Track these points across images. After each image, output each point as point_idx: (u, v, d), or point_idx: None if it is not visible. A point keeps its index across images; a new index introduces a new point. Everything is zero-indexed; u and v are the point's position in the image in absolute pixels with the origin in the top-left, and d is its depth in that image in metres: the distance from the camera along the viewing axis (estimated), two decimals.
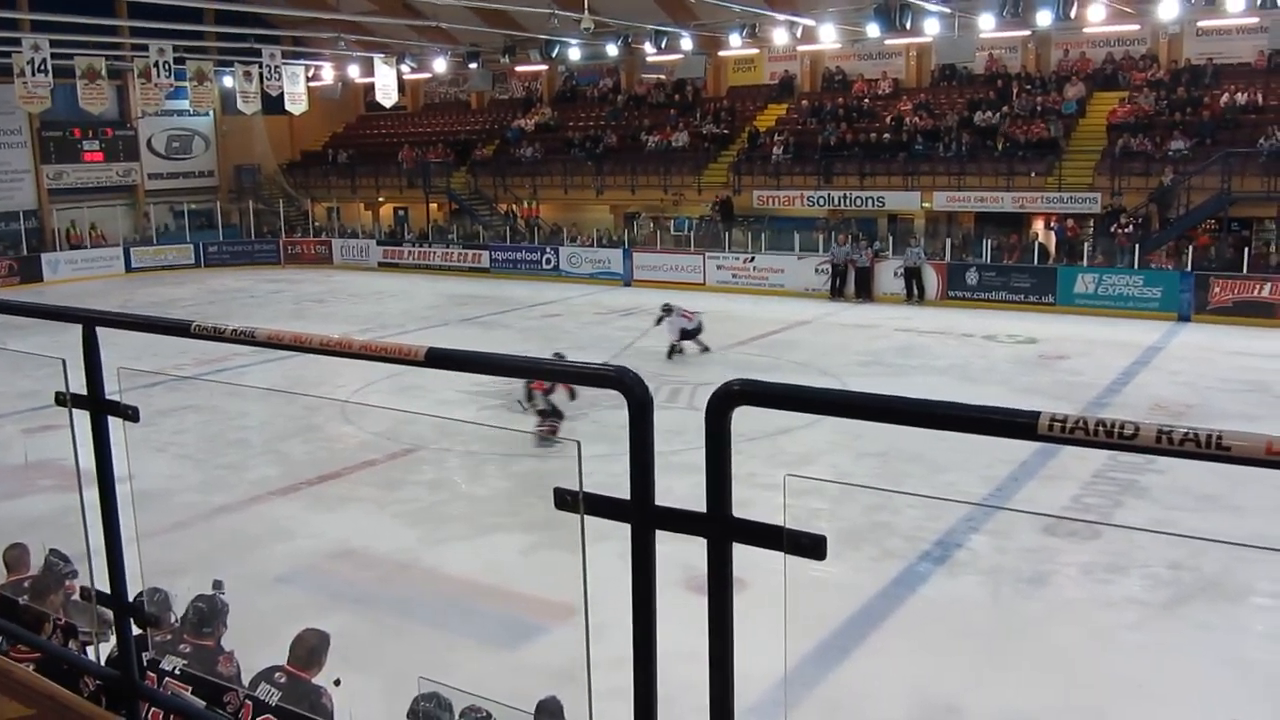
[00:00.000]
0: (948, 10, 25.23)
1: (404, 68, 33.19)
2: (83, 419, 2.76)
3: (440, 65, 33.77)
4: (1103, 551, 9.75)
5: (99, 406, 2.70)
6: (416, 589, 9.48)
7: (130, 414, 2.69)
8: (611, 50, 30.72)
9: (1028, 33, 28.38)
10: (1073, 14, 23.46)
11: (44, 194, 34.22)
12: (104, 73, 28.49)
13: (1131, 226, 23.67)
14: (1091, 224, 25.48)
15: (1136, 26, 27.51)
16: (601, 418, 13.33)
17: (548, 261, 30.72)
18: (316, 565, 9.92)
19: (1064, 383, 16.56)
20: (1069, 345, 19.38)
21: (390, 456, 13.33)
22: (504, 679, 7.03)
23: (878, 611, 8.71)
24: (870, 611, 8.65)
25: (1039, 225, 26.87)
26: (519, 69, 35.94)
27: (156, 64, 27.82)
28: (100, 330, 2.71)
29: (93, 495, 2.82)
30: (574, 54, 31.55)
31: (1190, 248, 22.93)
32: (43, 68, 25.93)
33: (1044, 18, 24.25)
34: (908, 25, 24.84)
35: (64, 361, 2.81)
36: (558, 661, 6.89)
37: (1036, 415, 1.50)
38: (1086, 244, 24.50)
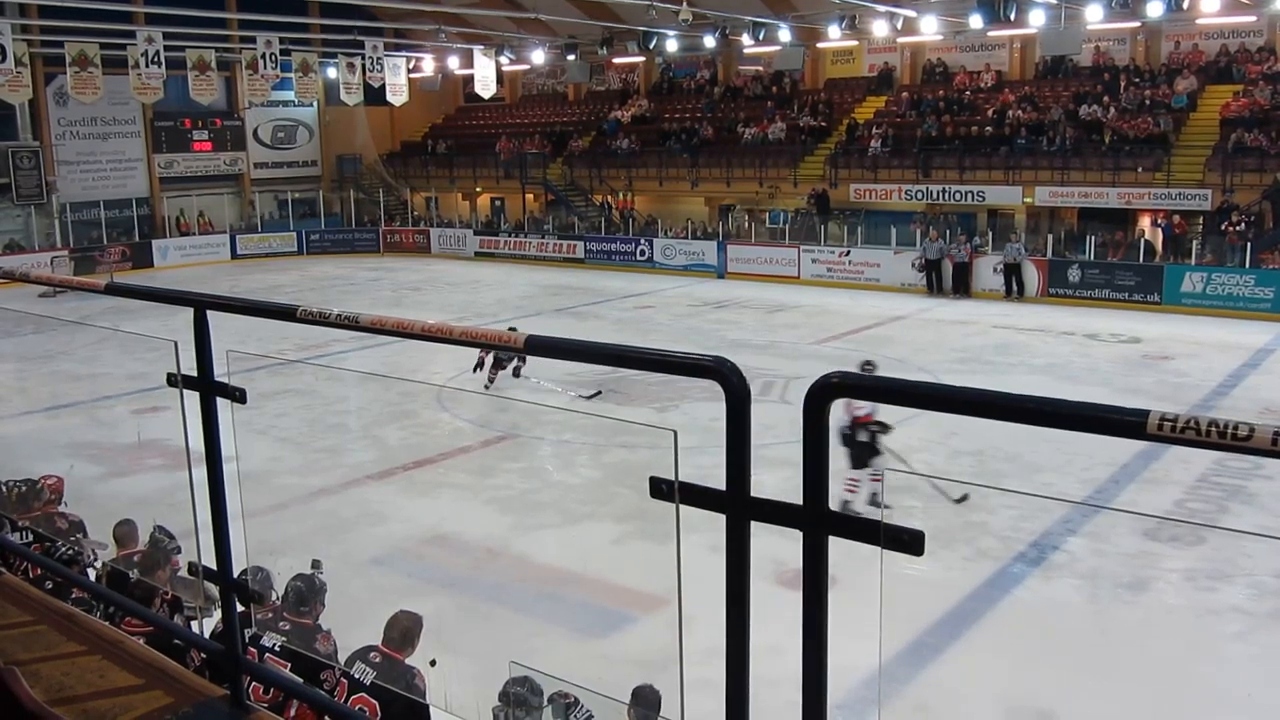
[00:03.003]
0: (1054, 1, 24.64)
1: (503, 59, 33.52)
2: (192, 400, 2.84)
3: (538, 57, 34.03)
4: (1206, 558, 9.47)
5: (209, 388, 2.78)
6: (507, 575, 9.60)
7: (238, 395, 2.76)
8: (709, 42, 30.63)
9: (1137, 24, 27.56)
10: (1185, 5, 22.75)
11: (155, 182, 35.28)
12: (213, 64, 29.34)
13: (1243, 224, 22.88)
14: (1200, 221, 24.70)
15: (1253, 18, 26.56)
16: (692, 409, 13.33)
17: (642, 253, 30.78)
18: (410, 549, 10.09)
19: (1168, 384, 16.11)
20: (1174, 346, 18.84)
21: (484, 443, 13.49)
22: (592, 667, 7.09)
23: (970, 612, 8.58)
24: (963, 612, 8.52)
25: (1145, 222, 26.10)
26: (616, 61, 36.02)
27: (263, 56, 28.52)
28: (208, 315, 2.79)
29: (200, 474, 2.90)
30: (671, 46, 31.52)
31: None
32: (156, 59, 26.75)
33: (1155, 9, 23.60)
34: (1012, 16, 24.32)
35: (176, 344, 2.89)
36: (645, 651, 6.94)
37: (1145, 414, 1.46)
38: (1195, 242, 23.75)
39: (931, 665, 7.59)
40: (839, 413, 10.08)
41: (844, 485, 10.06)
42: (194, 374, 2.80)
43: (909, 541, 1.71)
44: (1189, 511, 10.70)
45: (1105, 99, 27.12)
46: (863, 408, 10.25)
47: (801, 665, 1.86)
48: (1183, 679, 7.29)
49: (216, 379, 2.79)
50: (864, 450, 10.21)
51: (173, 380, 2.88)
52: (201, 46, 28.97)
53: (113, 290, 3.48)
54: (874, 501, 10.11)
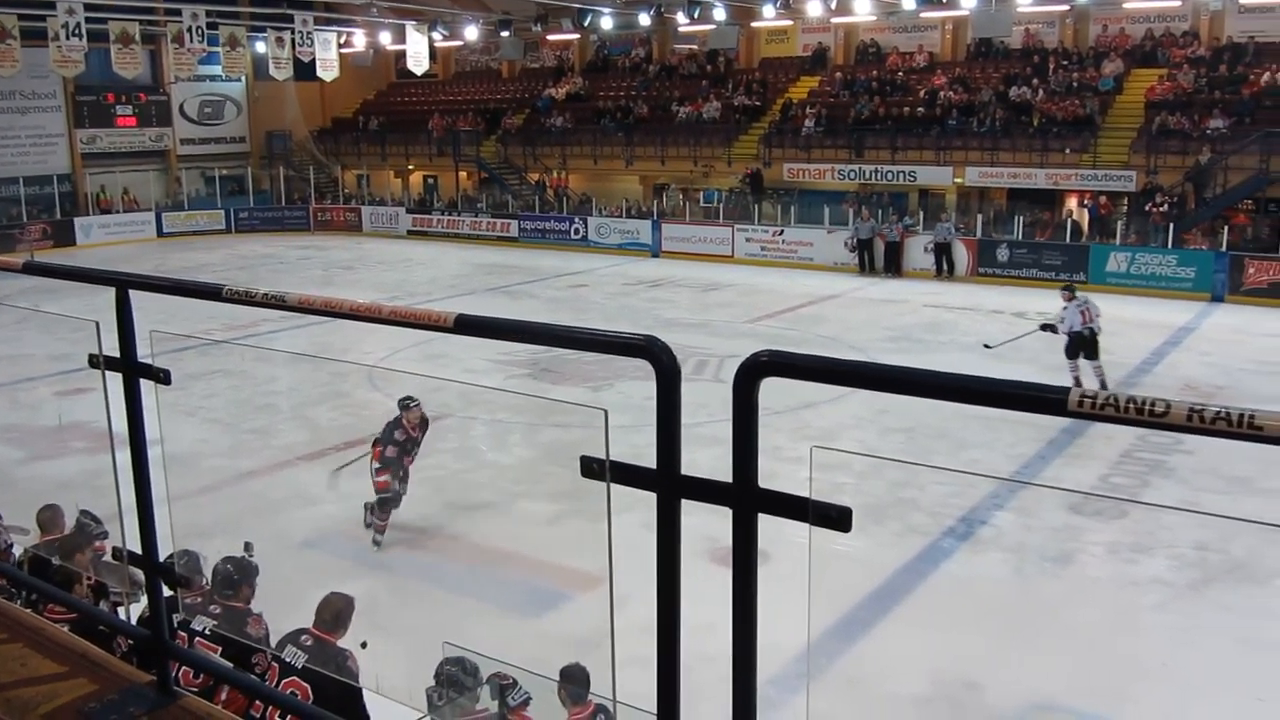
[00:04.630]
0: None
1: (435, 35, 33.12)
2: (115, 381, 2.78)
3: (472, 33, 33.70)
4: (1128, 531, 9.72)
5: (131, 369, 2.72)
6: (441, 556, 9.56)
7: (162, 377, 2.71)
8: (644, 20, 30.55)
9: (1066, 7, 28.04)
10: None
11: (77, 158, 34.43)
12: (137, 37, 28.58)
13: (1167, 205, 23.40)
14: (1126, 202, 25.21)
15: (1178, 3, 27.11)
16: (627, 388, 13.35)
17: (576, 232, 30.69)
18: (342, 530, 10.01)
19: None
20: (1100, 324, 19.17)
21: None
22: (527, 646, 7.10)
23: (900, 587, 8.71)
24: (893, 587, 8.65)
25: (1072, 203, 26.60)
26: (550, 38, 35.81)
27: (189, 29, 27.89)
28: (133, 294, 2.73)
29: (124, 457, 2.85)
30: (606, 23, 31.40)
31: (1226, 228, 22.65)
32: (76, 31, 26.04)
33: None
34: None
35: (98, 324, 2.83)
36: (580, 630, 6.96)
37: (1066, 391, 1.49)
38: (1120, 222, 24.23)
39: (861, 640, 7.70)
40: (1075, 316, 14.67)
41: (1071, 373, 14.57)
42: (117, 355, 2.74)
43: (837, 518, 1.73)
44: (1112, 486, 10.96)
45: (1034, 81, 27.52)
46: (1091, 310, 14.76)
47: (731, 641, 1.87)
48: (1105, 649, 7.47)
49: (140, 360, 2.74)
50: (1092, 345, 14.72)
51: (94, 362, 2.82)
52: (125, 18, 28.22)
53: (31, 269, 3.39)
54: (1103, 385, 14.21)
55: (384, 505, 9.54)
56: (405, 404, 9.71)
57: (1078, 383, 14.36)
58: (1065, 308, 15.02)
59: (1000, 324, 19.46)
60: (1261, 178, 22.80)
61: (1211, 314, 20.56)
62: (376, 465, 9.41)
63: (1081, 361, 14.86)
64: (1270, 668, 7.31)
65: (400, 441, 9.47)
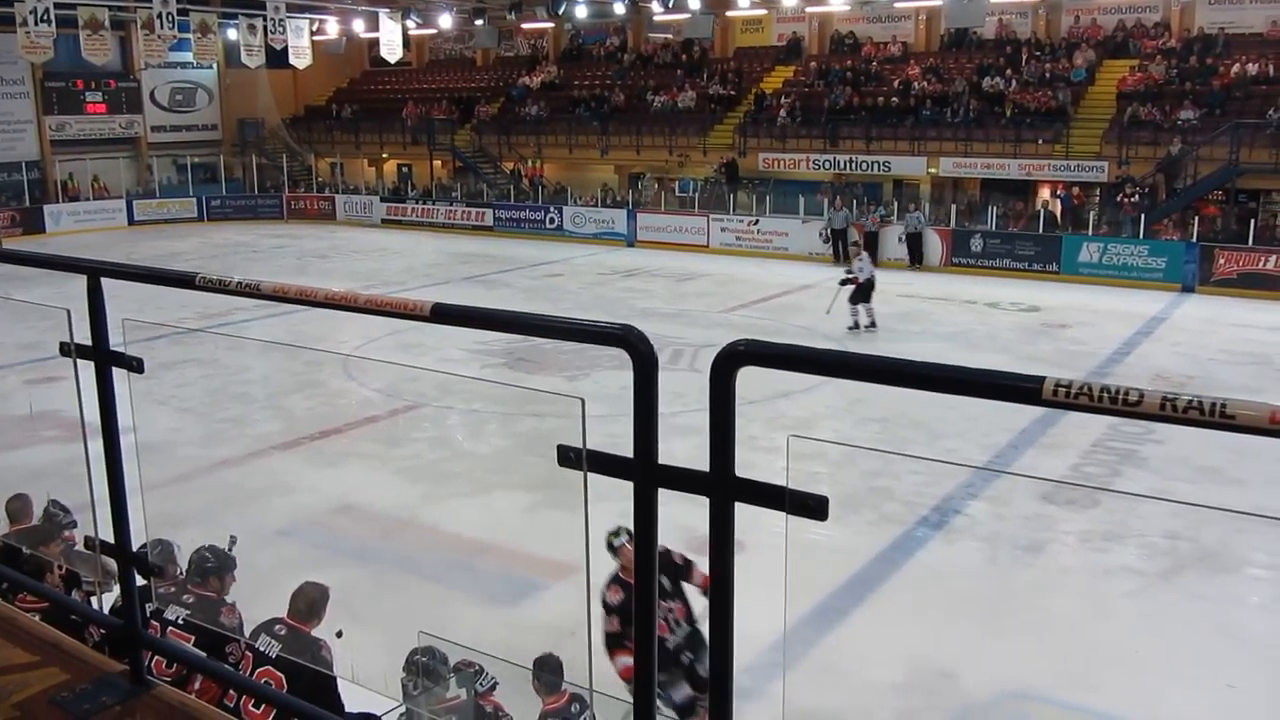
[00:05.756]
0: None
1: (409, 23, 32.93)
2: (87, 370, 2.76)
3: (446, 21, 33.50)
4: (1100, 520, 9.79)
5: (104, 357, 2.70)
6: (417, 545, 9.53)
7: (135, 365, 2.69)
8: (618, 8, 30.47)
9: None
10: None
11: (46, 145, 34.04)
12: (107, 23, 28.30)
13: (1138, 196, 23.55)
14: (1098, 193, 25.36)
15: None
16: (603, 378, 13.35)
17: (551, 221, 30.61)
18: (317, 520, 9.97)
19: (1066, 351, 16.56)
20: (1072, 314, 19.35)
21: (392, 413, 13.35)
22: (502, 634, 7.10)
23: (875, 576, 8.75)
24: (867, 576, 8.69)
25: (1045, 193, 26.74)
26: (525, 26, 35.66)
27: (160, 15, 27.61)
28: (104, 282, 2.71)
29: (96, 446, 2.82)
30: (580, 12, 31.27)
31: (1196, 218, 22.83)
32: (45, 17, 25.75)
33: None
34: None
35: (69, 312, 2.81)
36: (556, 618, 6.96)
37: (1041, 380, 1.50)
38: (1092, 213, 24.39)
39: (837, 628, 7.74)
40: (868, 266, 17.83)
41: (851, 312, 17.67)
42: (88, 343, 2.72)
43: (814, 507, 1.74)
44: (1084, 475, 11.03)
45: (1008, 71, 27.62)
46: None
47: (708, 628, 1.88)
48: (1078, 637, 7.54)
49: (112, 348, 2.72)
50: (871, 291, 17.61)
51: (66, 350, 2.80)
52: (94, 4, 27.93)
53: (1, 257, 3.36)
54: (873, 322, 17.77)
55: (683, 715, 5.92)
56: (612, 544, 5.64)
57: (857, 325, 17.70)
58: (860, 257, 18.46)
59: (973, 314, 19.60)
60: (1231, 169, 22.98)
61: (1182, 304, 20.74)
62: (606, 649, 5.55)
63: (859, 306, 17.69)
64: (1241, 655, 7.40)
65: (618, 607, 5.51)
